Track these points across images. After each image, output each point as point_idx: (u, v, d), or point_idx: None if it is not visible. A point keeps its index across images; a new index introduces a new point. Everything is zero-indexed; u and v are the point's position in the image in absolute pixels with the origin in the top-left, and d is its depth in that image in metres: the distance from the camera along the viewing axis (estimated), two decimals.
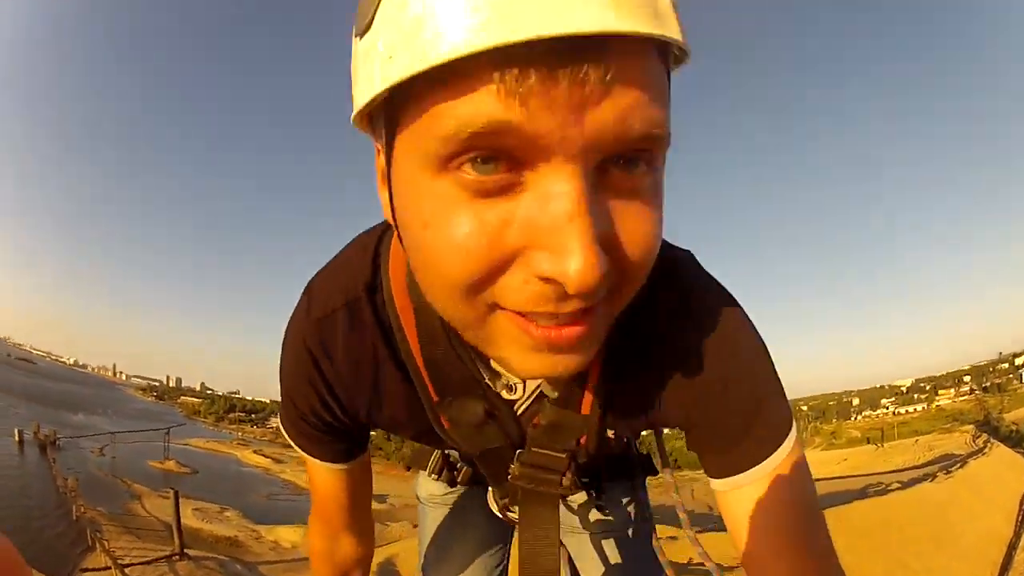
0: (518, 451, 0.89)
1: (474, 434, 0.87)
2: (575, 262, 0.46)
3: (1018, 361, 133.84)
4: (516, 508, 0.97)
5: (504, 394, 0.82)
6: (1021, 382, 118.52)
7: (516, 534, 1.26)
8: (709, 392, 0.79)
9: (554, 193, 0.47)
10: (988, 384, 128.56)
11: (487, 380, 0.80)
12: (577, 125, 0.44)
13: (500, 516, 1.18)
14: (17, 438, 31.36)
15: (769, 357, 0.82)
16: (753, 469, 0.78)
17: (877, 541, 7.16)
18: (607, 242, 0.50)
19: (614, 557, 1.38)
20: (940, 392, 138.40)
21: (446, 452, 1.32)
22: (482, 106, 0.44)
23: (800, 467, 0.80)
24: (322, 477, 1.04)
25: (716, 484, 0.83)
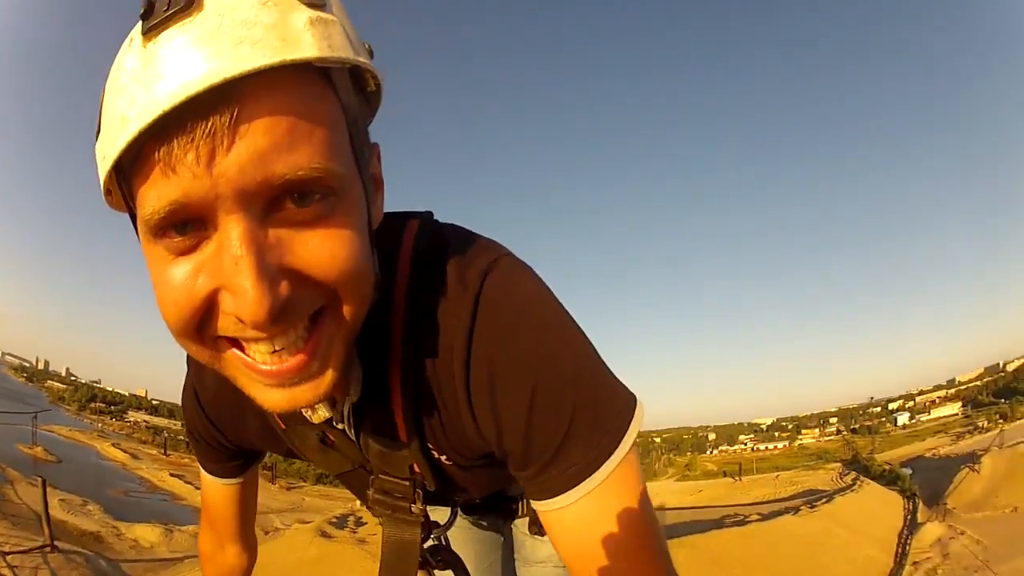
0: (371, 477, 0.92)
1: (322, 459, 0.94)
2: (247, 297, 0.52)
3: (892, 405, 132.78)
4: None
5: (314, 420, 0.83)
6: (895, 426, 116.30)
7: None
8: (514, 401, 0.73)
9: (226, 240, 0.53)
10: (857, 426, 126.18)
11: (304, 413, 0.82)
12: (219, 178, 0.50)
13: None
14: None
15: (583, 340, 0.78)
16: (577, 487, 0.73)
17: (739, 573, 7.08)
18: (291, 272, 0.56)
19: None
20: (803, 431, 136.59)
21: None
22: (156, 186, 0.52)
23: (634, 472, 0.75)
24: (211, 490, 1.18)
25: (539, 505, 0.79)
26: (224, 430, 1.02)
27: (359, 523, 11.13)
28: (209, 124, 0.49)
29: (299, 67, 0.52)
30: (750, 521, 10.90)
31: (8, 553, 8.85)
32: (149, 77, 0.49)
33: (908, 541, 10.61)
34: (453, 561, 1.06)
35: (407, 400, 0.79)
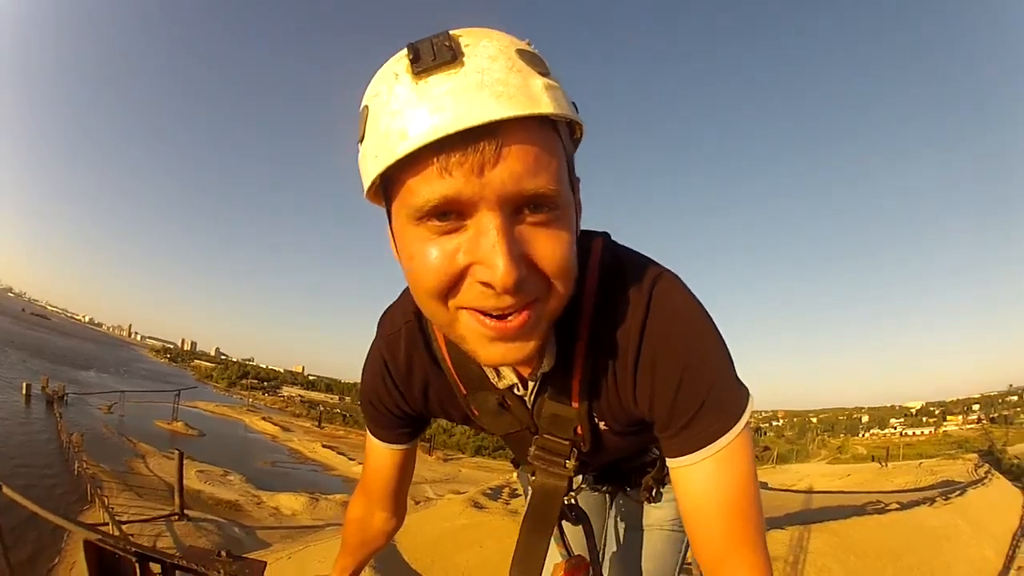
0: (535, 436, 1.13)
1: (495, 421, 1.15)
2: (498, 271, 0.72)
3: None
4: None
5: (500, 386, 1.06)
6: None
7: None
8: (667, 379, 0.96)
9: (485, 229, 0.73)
10: (996, 415, 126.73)
11: (491, 379, 1.06)
12: (486, 185, 0.70)
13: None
14: (24, 392, 31.57)
15: (721, 342, 1.00)
16: (703, 449, 0.96)
17: (873, 564, 7.14)
18: (526, 259, 0.76)
19: (646, 551, 1.69)
20: (948, 418, 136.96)
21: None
22: (431, 183, 0.71)
23: (748, 449, 0.98)
24: (375, 454, 1.35)
25: (671, 462, 1.01)
26: (408, 397, 1.21)
27: (513, 494, 11.44)
28: (479, 146, 0.69)
29: (540, 118, 0.73)
30: (890, 510, 10.87)
31: (125, 522, 9.21)
32: (427, 107, 0.69)
33: (1019, 544, 10.04)
34: (583, 518, 1.32)
35: (585, 373, 1.01)
